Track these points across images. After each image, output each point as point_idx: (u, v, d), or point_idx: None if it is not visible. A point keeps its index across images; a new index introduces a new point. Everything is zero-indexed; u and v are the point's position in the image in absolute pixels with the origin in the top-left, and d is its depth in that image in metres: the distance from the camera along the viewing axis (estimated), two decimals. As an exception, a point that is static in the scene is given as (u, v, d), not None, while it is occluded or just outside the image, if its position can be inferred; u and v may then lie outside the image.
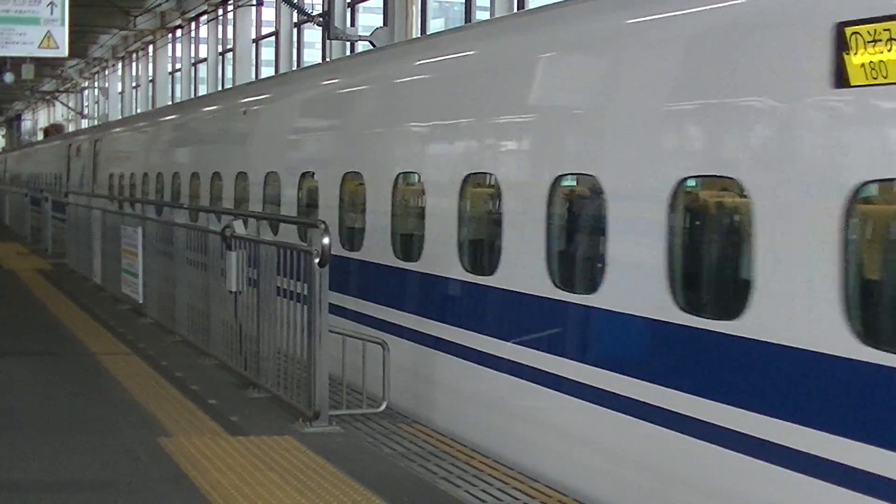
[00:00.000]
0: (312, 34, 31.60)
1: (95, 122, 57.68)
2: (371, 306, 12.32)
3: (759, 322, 6.98)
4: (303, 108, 16.12)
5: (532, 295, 9.37)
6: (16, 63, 43.50)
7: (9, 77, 46.21)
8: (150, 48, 52.03)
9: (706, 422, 7.31)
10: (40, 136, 73.28)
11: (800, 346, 6.69)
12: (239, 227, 11.87)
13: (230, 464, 8.52)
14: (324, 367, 9.78)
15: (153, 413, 10.22)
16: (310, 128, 15.57)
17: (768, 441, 6.82)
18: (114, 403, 10.72)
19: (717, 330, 7.29)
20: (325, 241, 9.71)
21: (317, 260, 9.72)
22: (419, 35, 22.41)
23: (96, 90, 65.74)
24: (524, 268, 9.45)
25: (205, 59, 43.01)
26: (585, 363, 8.66)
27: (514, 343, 9.60)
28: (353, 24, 26.39)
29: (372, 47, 21.37)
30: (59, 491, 7.91)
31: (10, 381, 11.86)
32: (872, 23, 6.13)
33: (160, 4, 42.11)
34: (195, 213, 15.07)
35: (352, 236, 13.15)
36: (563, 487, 8.35)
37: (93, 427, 9.79)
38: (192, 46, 45.59)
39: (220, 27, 41.04)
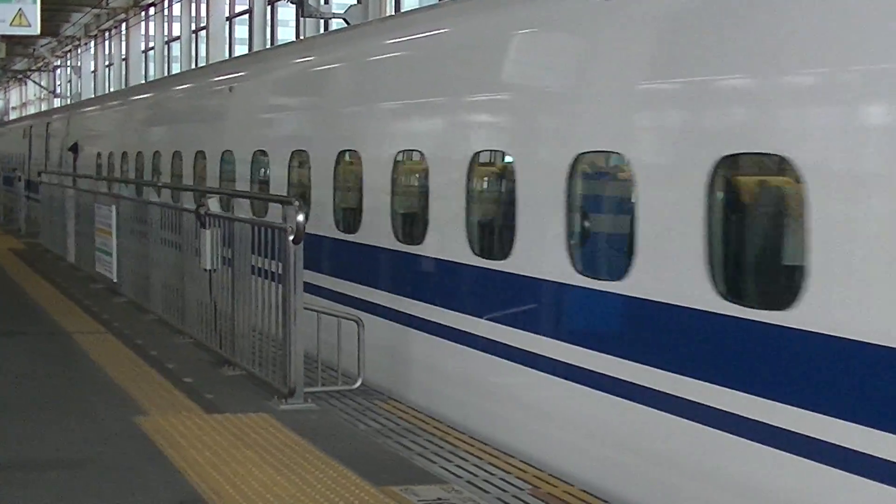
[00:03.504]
0: (286, 12, 31.56)
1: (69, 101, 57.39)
2: None
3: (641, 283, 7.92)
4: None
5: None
6: (-13, 41, 43.28)
7: (-20, 56, 45.94)
8: (123, 26, 51.85)
9: (601, 373, 8.30)
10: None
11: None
12: (213, 205, 11.86)
13: (206, 442, 8.53)
14: (299, 344, 9.79)
15: (129, 392, 10.22)
16: None
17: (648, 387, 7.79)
18: (89, 382, 10.72)
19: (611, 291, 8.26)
20: (300, 217, 9.72)
21: (291, 237, 9.73)
22: (393, 13, 22.38)
23: (69, 69, 65.43)
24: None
25: (178, 38, 42.88)
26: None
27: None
28: (327, 2, 26.33)
29: (346, 25, 21.32)
30: (35, 470, 7.89)
31: (-15, 360, 11.85)
32: None
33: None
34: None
35: None
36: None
37: (68, 406, 9.78)
38: (166, 24, 45.46)
39: (193, 5, 40.90)
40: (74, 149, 29.01)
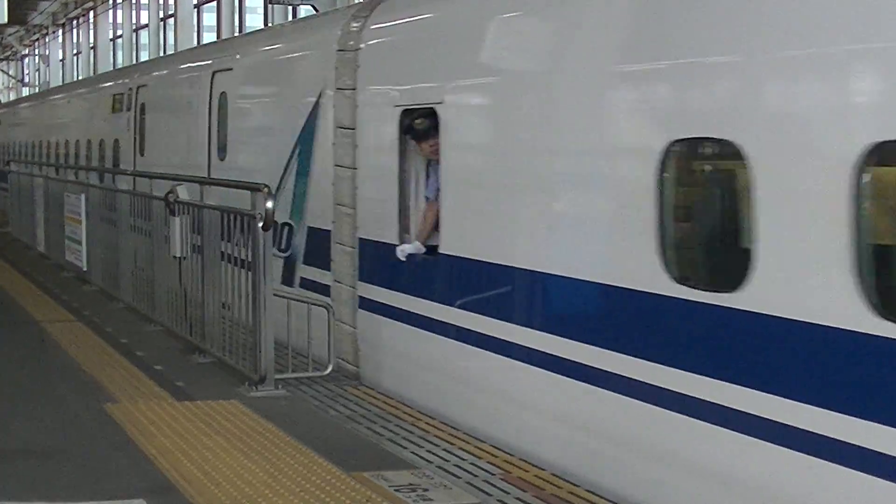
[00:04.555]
0: (254, -1, 31.50)
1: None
2: None
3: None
4: None
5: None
6: (-46, 31, 43.03)
7: (-53, 45, 45.70)
8: (91, 14, 51.61)
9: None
10: None
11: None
12: (182, 193, 11.84)
13: (177, 429, 8.52)
14: (269, 330, 9.79)
15: (99, 380, 10.19)
16: None
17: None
18: (59, 371, 10.69)
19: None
20: (269, 204, 9.71)
21: (260, 224, 9.72)
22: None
23: (37, 57, 65.09)
24: None
25: (146, 26, 42.72)
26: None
27: None
28: (295, -11, 26.25)
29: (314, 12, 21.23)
30: (5, 459, 7.87)
31: (-46, 350, 11.80)
32: None
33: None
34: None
35: None
36: None
37: (38, 395, 9.76)
38: (134, 12, 45.27)
39: (161, -8, 40.76)
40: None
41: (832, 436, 5.86)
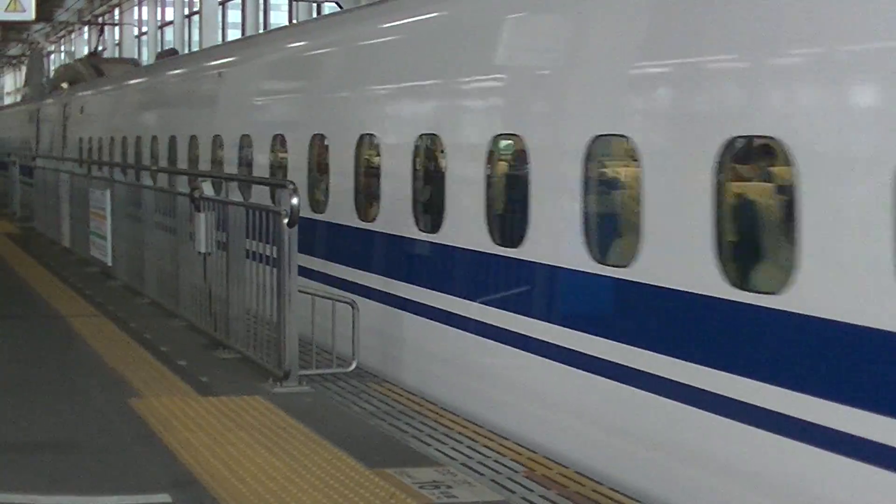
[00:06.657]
0: (280, -4, 31.52)
1: None
2: None
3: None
4: None
5: None
6: (-19, 27, 43.16)
7: (-26, 41, 45.87)
8: (117, 11, 51.77)
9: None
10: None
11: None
12: (207, 189, 11.85)
13: (200, 424, 8.53)
14: (293, 327, 9.78)
15: (123, 374, 10.21)
16: None
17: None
18: (83, 365, 10.71)
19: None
20: (294, 201, 9.70)
21: (285, 220, 9.71)
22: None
23: (63, 54, 65.31)
24: None
25: (171, 22, 42.82)
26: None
27: None
28: (320, -14, 26.29)
29: (339, 9, 21.23)
30: (29, 452, 7.90)
31: (-21, 344, 11.84)
32: None
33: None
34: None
35: None
36: None
37: (62, 389, 9.79)
38: (159, 9, 45.38)
39: (186, -11, 40.84)
40: None
41: None
